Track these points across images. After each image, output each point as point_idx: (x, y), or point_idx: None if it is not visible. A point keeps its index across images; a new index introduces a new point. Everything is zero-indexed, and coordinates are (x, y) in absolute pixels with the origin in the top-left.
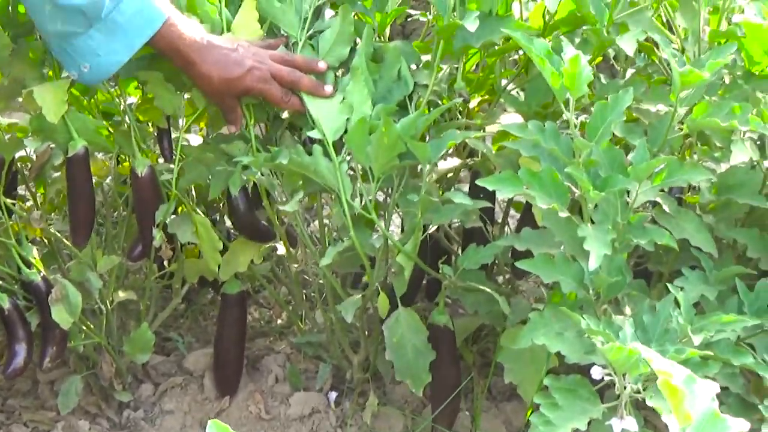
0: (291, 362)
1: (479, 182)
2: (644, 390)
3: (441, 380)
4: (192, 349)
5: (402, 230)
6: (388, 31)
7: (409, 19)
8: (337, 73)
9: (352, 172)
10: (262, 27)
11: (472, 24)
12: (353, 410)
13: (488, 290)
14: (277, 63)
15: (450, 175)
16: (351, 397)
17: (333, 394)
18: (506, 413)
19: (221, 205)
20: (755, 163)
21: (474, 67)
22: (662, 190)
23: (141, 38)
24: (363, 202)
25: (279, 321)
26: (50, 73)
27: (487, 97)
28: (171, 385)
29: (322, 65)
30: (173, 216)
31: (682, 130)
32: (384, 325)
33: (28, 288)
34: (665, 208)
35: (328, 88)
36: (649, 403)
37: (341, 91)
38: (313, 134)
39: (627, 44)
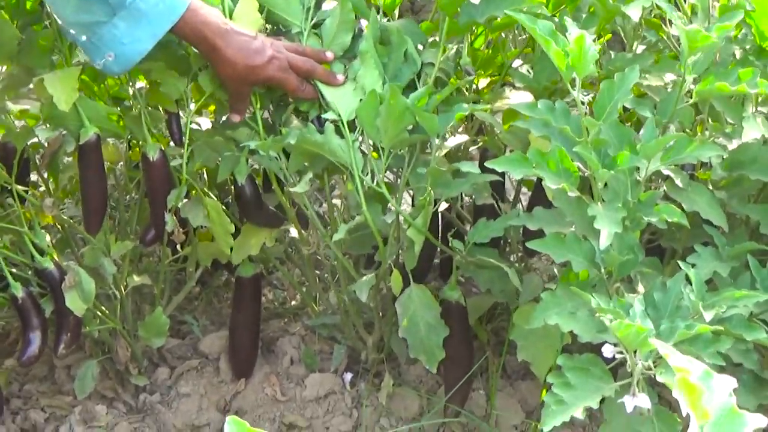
0: (306, 344)
1: (488, 164)
2: (655, 366)
3: (454, 358)
4: (207, 332)
5: (412, 207)
6: (396, 10)
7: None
8: (345, 60)
9: (364, 153)
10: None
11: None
12: (369, 391)
13: (500, 265)
14: (291, 53)
15: (459, 153)
16: (366, 378)
17: (348, 375)
18: (521, 392)
19: (233, 188)
20: (766, 136)
21: (484, 45)
22: (673, 166)
23: (165, 25)
24: (375, 180)
25: (293, 302)
26: (60, 61)
27: (496, 77)
28: (187, 369)
29: (329, 55)
30: (185, 200)
31: (691, 100)
32: (396, 302)
33: (41, 275)
34: (677, 182)
35: (340, 77)
36: (660, 379)
37: (353, 75)
38: (328, 116)
39: (633, 11)
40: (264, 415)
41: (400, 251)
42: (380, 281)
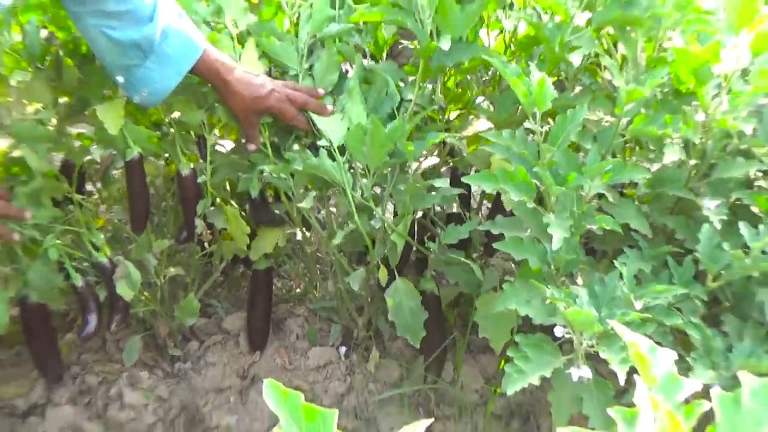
0: (308, 323)
1: (465, 179)
2: (597, 345)
3: (430, 336)
4: (229, 313)
5: (395, 215)
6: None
7: (399, 47)
8: (335, 95)
9: (353, 171)
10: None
11: (446, 44)
12: (359, 361)
13: (466, 261)
14: (289, 89)
15: (433, 172)
16: (357, 351)
17: (343, 349)
18: (481, 363)
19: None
20: (682, 162)
21: (455, 86)
22: (609, 185)
23: (187, 65)
24: (363, 194)
25: (298, 290)
26: (109, 94)
27: (463, 110)
28: (213, 342)
29: (321, 91)
30: (211, 208)
31: (624, 136)
32: (385, 292)
33: (97, 267)
34: (610, 198)
35: (330, 107)
36: (603, 355)
37: (340, 108)
38: (321, 142)
39: (575, 58)
40: (275, 380)
41: (385, 251)
42: (369, 275)
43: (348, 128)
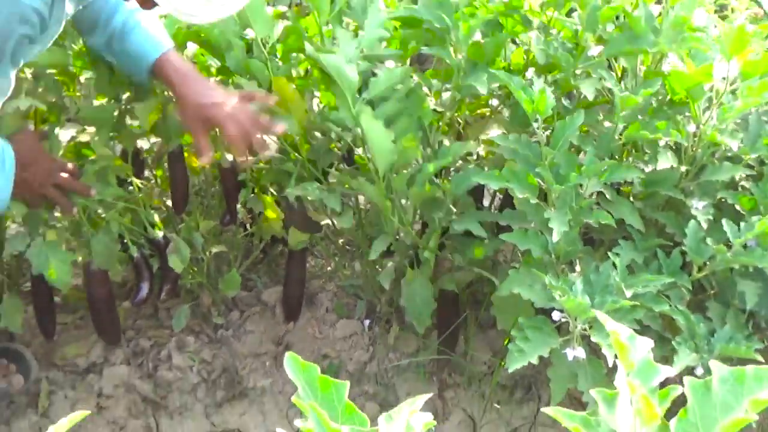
0: (337, 298)
1: (475, 177)
2: (590, 329)
3: (444, 317)
4: (267, 287)
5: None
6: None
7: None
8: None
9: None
10: None
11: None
12: (381, 333)
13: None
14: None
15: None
16: (380, 324)
17: (367, 322)
18: (490, 338)
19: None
20: (673, 165)
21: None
22: (605, 183)
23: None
24: (402, 219)
25: (329, 268)
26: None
27: (481, 111)
28: (252, 313)
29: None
30: (251, 195)
31: (621, 140)
32: (402, 281)
33: (152, 242)
34: (608, 196)
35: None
36: (593, 339)
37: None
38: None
39: (587, 89)
40: (306, 348)
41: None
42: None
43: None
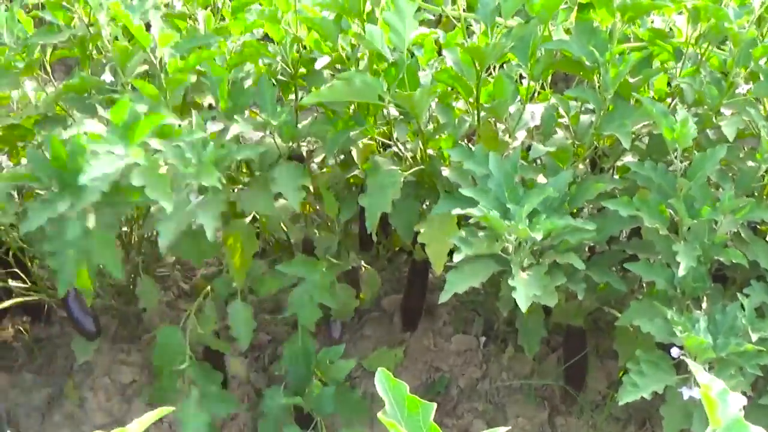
0: (456, 312)
1: (604, 203)
2: (709, 369)
3: (572, 345)
4: (387, 294)
5: None
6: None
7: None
8: None
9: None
10: None
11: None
12: (496, 352)
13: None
14: None
15: None
16: (495, 343)
17: (483, 339)
18: (608, 368)
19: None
20: None
21: None
22: (742, 223)
23: None
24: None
25: None
26: None
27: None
28: (370, 318)
29: None
30: None
31: (764, 179)
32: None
33: None
34: (743, 235)
35: None
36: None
37: None
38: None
39: (729, 130)
40: (420, 359)
41: None
42: None
43: None
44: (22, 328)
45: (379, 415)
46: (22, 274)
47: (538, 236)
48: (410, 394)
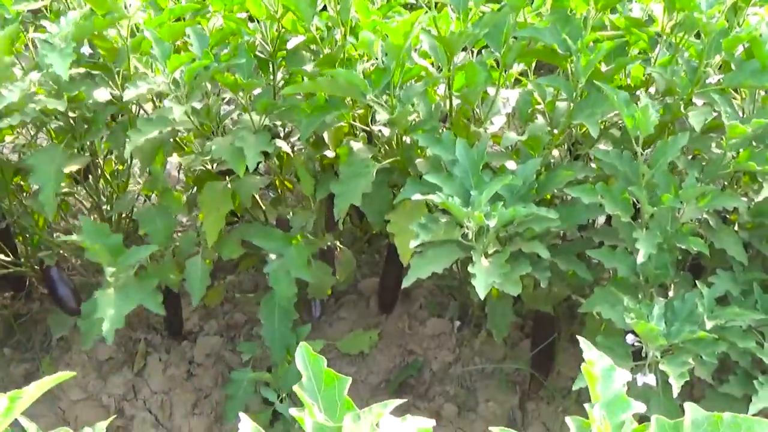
0: (432, 296)
1: (567, 190)
2: (661, 357)
3: (541, 328)
4: (365, 277)
5: None
6: None
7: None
8: None
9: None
10: None
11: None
12: (469, 337)
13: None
14: None
15: None
16: (469, 327)
17: (457, 323)
18: (579, 354)
19: None
20: None
21: None
22: (710, 210)
23: None
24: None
25: None
26: None
27: None
28: (347, 300)
29: None
30: None
31: (730, 167)
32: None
33: None
34: (711, 223)
35: None
36: (662, 367)
37: None
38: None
39: (696, 120)
40: (394, 342)
41: None
42: None
43: None
44: (2, 304)
45: (295, 387)
46: (5, 248)
47: (492, 223)
48: (327, 368)
